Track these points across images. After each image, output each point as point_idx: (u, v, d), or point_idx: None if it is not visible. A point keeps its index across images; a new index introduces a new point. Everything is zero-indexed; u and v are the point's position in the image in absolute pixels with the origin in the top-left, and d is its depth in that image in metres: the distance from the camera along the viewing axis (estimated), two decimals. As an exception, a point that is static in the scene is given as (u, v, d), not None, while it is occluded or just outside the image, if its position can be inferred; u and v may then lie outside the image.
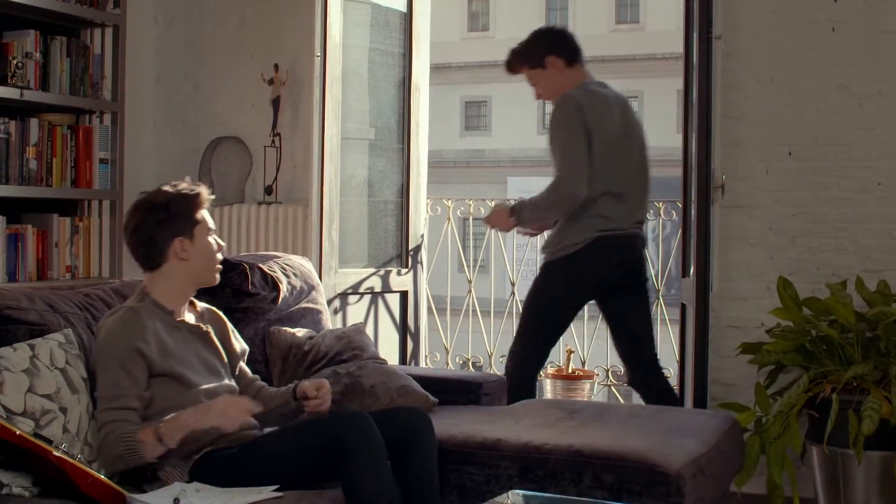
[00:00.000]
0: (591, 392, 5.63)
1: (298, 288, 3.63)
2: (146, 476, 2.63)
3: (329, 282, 4.52)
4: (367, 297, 4.84)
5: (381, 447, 2.58)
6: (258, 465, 2.61)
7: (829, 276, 4.04)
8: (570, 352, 5.66)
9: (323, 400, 2.85)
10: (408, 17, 5.02)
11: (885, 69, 4.04)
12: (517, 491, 2.77)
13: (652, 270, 5.96)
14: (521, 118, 23.80)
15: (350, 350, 3.50)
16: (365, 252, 4.91)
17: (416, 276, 5.07)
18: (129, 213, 2.84)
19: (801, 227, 4.14)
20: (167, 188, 2.83)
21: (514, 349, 4.01)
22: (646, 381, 4.03)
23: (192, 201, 2.83)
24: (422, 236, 5.13)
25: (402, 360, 4.98)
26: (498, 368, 5.37)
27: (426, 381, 3.52)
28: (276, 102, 4.84)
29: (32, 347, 2.60)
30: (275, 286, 3.50)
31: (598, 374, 5.72)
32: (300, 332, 3.56)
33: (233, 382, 2.90)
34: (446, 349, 6.00)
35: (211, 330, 2.91)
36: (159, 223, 2.79)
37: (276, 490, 2.53)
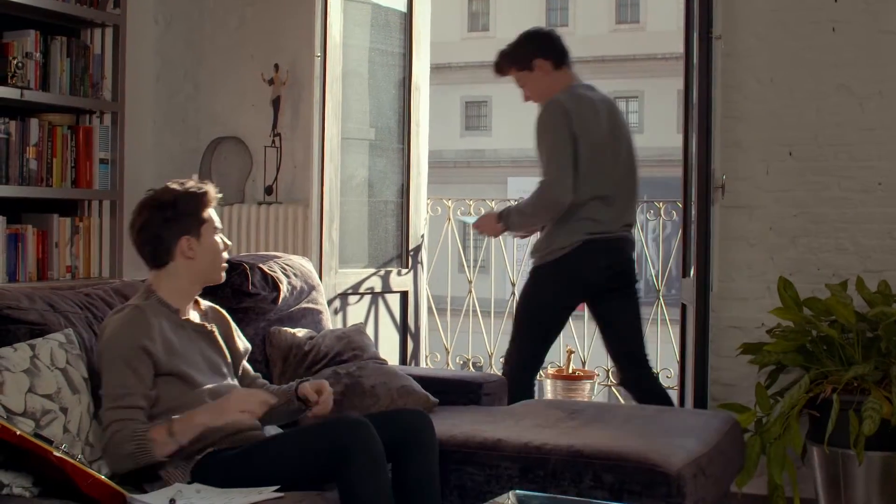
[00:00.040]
0: (592, 392, 5.63)
1: (299, 288, 3.63)
2: (147, 476, 2.63)
3: (329, 282, 4.52)
4: (368, 298, 4.84)
5: (381, 454, 2.58)
6: (259, 466, 2.61)
7: (830, 277, 4.04)
8: (571, 352, 5.66)
9: (325, 406, 2.84)
10: (408, 17, 5.02)
11: (886, 69, 4.04)
12: (517, 491, 2.76)
13: (653, 270, 5.96)
14: (521, 118, 23.74)
15: (350, 350, 3.50)
16: (365, 252, 4.91)
17: (416, 276, 5.07)
18: (136, 210, 2.82)
19: (801, 228, 4.14)
20: (175, 186, 2.82)
21: (509, 353, 4.04)
22: (637, 382, 4.04)
23: (200, 200, 2.81)
24: (422, 236, 5.13)
25: (403, 361, 4.98)
26: (498, 368, 5.36)
27: (426, 382, 3.52)
28: (276, 102, 4.84)
29: (33, 347, 2.60)
30: (275, 286, 3.50)
31: (598, 375, 5.72)
32: (300, 332, 3.55)
33: (235, 382, 2.90)
34: (447, 349, 6.00)
35: (215, 329, 2.90)
36: (166, 221, 2.77)
37: (276, 490, 2.53)
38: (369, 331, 4.43)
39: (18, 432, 2.36)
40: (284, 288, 3.53)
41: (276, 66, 4.83)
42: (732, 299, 4.20)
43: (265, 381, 3.07)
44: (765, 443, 3.69)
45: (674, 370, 5.25)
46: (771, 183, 4.17)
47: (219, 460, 2.63)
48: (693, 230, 4.13)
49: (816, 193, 4.13)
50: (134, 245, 2.84)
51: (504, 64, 4.07)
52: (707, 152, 4.02)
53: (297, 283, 3.63)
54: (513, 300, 5.89)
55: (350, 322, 4.62)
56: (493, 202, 5.93)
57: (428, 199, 5.36)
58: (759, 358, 3.88)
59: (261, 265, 3.51)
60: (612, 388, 5.88)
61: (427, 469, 2.77)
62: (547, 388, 5.61)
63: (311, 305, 3.71)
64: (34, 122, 4.18)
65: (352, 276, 4.74)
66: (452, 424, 3.13)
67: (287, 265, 3.65)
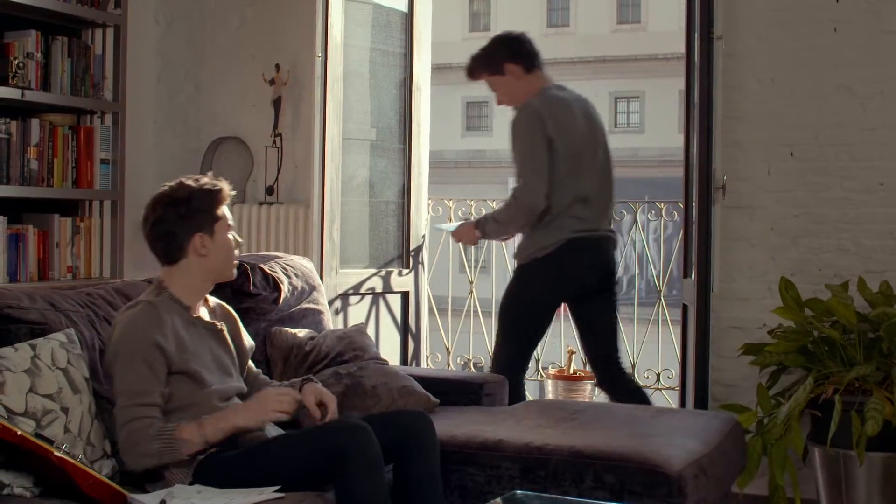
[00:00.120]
0: (593, 393, 5.62)
1: (299, 288, 3.63)
2: (150, 476, 2.63)
3: (330, 282, 4.52)
4: (369, 298, 4.84)
5: (378, 456, 2.57)
6: (259, 468, 2.61)
7: (831, 277, 4.04)
8: (572, 352, 5.65)
9: (332, 416, 2.82)
10: (409, 17, 5.02)
11: (887, 69, 4.03)
12: (518, 491, 2.76)
13: (654, 271, 5.96)
14: (522, 118, 23.76)
15: (351, 350, 3.50)
16: (366, 252, 4.91)
17: (417, 276, 5.07)
18: (150, 206, 2.80)
19: (802, 228, 4.14)
20: (189, 183, 2.80)
21: (495, 355, 4.06)
22: (613, 382, 4.08)
23: (215, 197, 2.80)
24: (423, 237, 5.12)
25: (404, 361, 4.98)
26: (499, 369, 5.36)
27: (427, 382, 3.52)
28: (277, 103, 4.84)
29: (34, 347, 2.60)
30: (276, 287, 3.50)
31: (599, 375, 5.71)
32: (301, 332, 3.56)
33: (242, 383, 2.89)
34: (447, 350, 5.99)
35: (225, 328, 2.90)
36: (180, 218, 2.76)
37: (277, 491, 2.53)
38: (370, 331, 4.43)
39: (19, 432, 2.36)
40: (285, 288, 3.53)
41: (277, 67, 4.83)
42: (733, 300, 4.20)
43: (266, 378, 3.07)
44: (766, 443, 3.69)
45: (675, 371, 5.25)
46: (772, 183, 4.17)
47: (220, 461, 2.63)
48: (694, 230, 4.13)
49: (818, 194, 4.12)
50: (146, 240, 2.82)
51: (475, 68, 4.09)
52: (708, 152, 4.02)
53: (298, 283, 3.63)
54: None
55: (351, 322, 4.62)
56: (494, 202, 5.92)
57: (429, 199, 5.36)
58: (761, 359, 3.88)
59: (262, 265, 3.51)
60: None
61: (428, 470, 2.77)
62: (548, 388, 5.61)
63: (311, 306, 3.72)
64: (35, 123, 4.18)
65: (353, 276, 4.74)
66: (453, 425, 3.13)
67: (288, 265, 3.65)
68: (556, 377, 5.58)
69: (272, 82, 4.83)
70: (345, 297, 4.69)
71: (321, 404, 2.79)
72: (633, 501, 2.76)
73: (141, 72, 4.75)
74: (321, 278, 4.14)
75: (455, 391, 3.59)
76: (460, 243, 4.63)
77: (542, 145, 3.83)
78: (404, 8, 5.01)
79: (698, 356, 4.06)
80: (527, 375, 4.21)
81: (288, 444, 2.66)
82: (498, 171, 24.00)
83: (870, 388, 3.59)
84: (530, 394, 5.09)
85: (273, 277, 3.51)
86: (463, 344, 6.20)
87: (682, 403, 4.27)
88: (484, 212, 5.57)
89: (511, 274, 5.90)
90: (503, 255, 6.11)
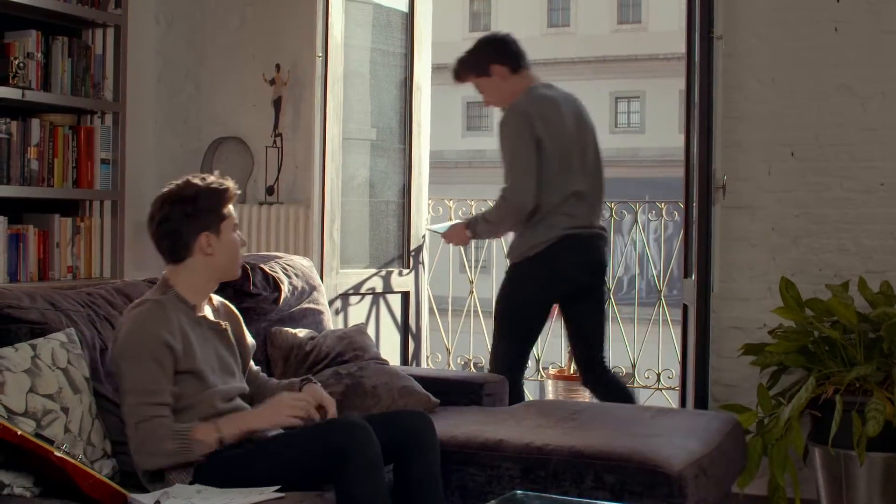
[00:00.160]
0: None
1: (300, 288, 3.63)
2: (152, 476, 2.63)
3: (330, 282, 4.52)
4: (369, 298, 4.84)
5: (377, 456, 2.57)
6: (259, 467, 2.61)
7: (832, 277, 4.04)
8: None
9: (332, 414, 2.83)
10: (409, 17, 5.02)
11: (888, 69, 4.03)
12: (519, 491, 2.76)
13: (654, 271, 5.96)
14: (522, 118, 23.74)
15: (351, 351, 3.50)
16: (366, 252, 4.91)
17: (417, 276, 5.07)
18: (156, 203, 2.79)
19: (803, 228, 4.14)
20: (196, 181, 2.79)
21: (493, 356, 4.07)
22: (599, 380, 4.11)
23: (221, 196, 2.79)
24: (423, 237, 5.12)
25: (404, 361, 4.98)
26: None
27: (428, 382, 3.52)
28: (277, 103, 4.84)
29: (34, 347, 2.60)
30: (276, 287, 3.50)
31: (599, 375, 5.71)
32: (302, 332, 3.56)
33: (244, 384, 2.89)
34: (448, 350, 5.99)
35: (229, 327, 2.90)
36: (186, 216, 2.75)
37: (277, 490, 2.53)
38: (370, 331, 4.43)
39: (19, 432, 2.36)
40: (286, 288, 3.52)
41: (278, 67, 4.83)
42: (734, 300, 4.20)
43: (265, 375, 3.07)
44: (766, 444, 3.69)
45: (675, 371, 5.25)
46: (772, 183, 4.17)
47: (220, 460, 2.63)
48: (694, 230, 4.13)
49: (818, 194, 4.12)
50: (152, 238, 2.81)
51: (462, 71, 4.11)
52: (708, 152, 4.02)
53: (299, 283, 3.63)
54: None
55: (351, 322, 4.62)
56: (494, 202, 5.92)
57: (429, 199, 5.36)
58: (761, 359, 3.88)
59: (262, 265, 3.51)
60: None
61: (429, 470, 2.77)
62: (548, 388, 5.61)
63: (312, 306, 3.72)
64: (35, 123, 4.18)
65: (353, 276, 4.74)
66: (454, 425, 3.12)
67: (288, 265, 3.65)
68: (556, 377, 5.58)
69: (272, 82, 4.83)
70: (345, 297, 4.69)
71: (320, 407, 2.79)
72: (633, 501, 2.76)
73: (141, 72, 4.75)
74: (321, 278, 4.14)
75: (455, 391, 3.59)
76: (451, 244, 4.64)
77: (530, 145, 3.84)
78: (405, 8, 5.01)
79: (698, 356, 4.06)
80: (527, 375, 4.22)
81: (288, 444, 2.66)
82: (498, 171, 23.77)
83: (870, 388, 3.59)
84: (530, 394, 5.09)
85: (273, 277, 3.50)
86: (463, 344, 6.20)
87: (683, 403, 4.27)
88: (483, 210, 5.58)
89: (511, 274, 5.95)
90: (503, 255, 6.10)
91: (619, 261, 6.55)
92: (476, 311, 6.02)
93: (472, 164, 24.37)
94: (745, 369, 4.06)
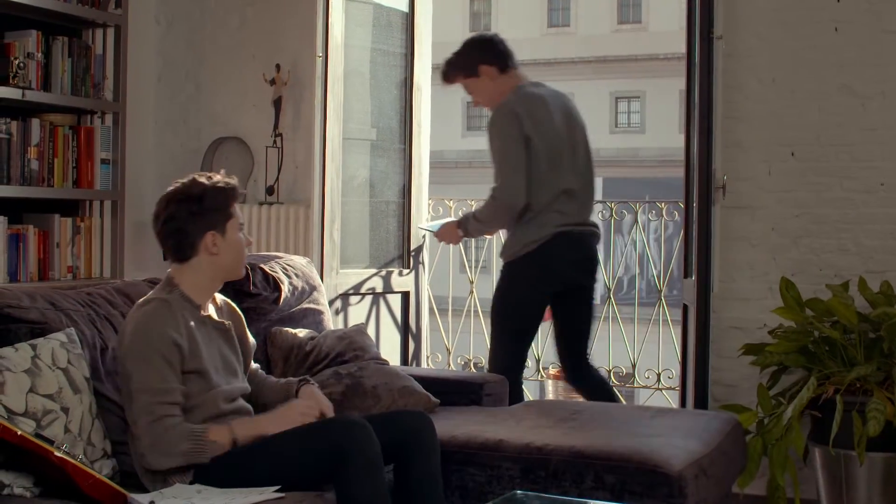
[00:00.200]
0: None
1: (300, 288, 3.63)
2: (153, 476, 2.63)
3: (330, 282, 4.52)
4: (369, 298, 4.84)
5: (377, 455, 2.57)
6: (259, 467, 2.61)
7: (832, 277, 4.04)
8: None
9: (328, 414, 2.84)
10: (409, 17, 5.02)
11: (888, 69, 4.03)
12: (519, 492, 2.76)
13: (654, 271, 5.96)
14: (522, 118, 23.73)
15: (351, 351, 3.50)
16: (366, 252, 4.91)
17: (417, 276, 5.07)
18: (162, 202, 2.78)
19: (803, 228, 4.14)
20: (202, 180, 2.78)
21: (491, 356, 4.08)
22: (583, 377, 4.14)
23: (228, 195, 2.79)
24: (423, 237, 5.12)
25: (404, 361, 4.98)
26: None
27: (428, 382, 3.52)
28: (277, 103, 4.84)
29: (34, 347, 2.60)
30: (276, 287, 3.50)
31: (599, 375, 5.71)
32: (302, 332, 3.55)
33: (246, 384, 2.89)
34: (448, 350, 5.99)
35: (232, 327, 2.90)
36: (192, 215, 2.75)
37: (277, 490, 2.53)
38: (370, 331, 4.43)
39: (19, 432, 2.36)
40: (286, 288, 3.52)
41: (278, 67, 4.83)
42: (734, 300, 4.20)
43: (263, 372, 3.07)
44: (766, 444, 3.69)
45: (675, 371, 5.25)
46: (773, 183, 4.17)
47: (220, 460, 2.63)
48: (694, 230, 4.13)
49: (818, 194, 4.12)
50: (157, 237, 2.80)
51: (450, 72, 4.13)
52: (708, 152, 4.02)
53: (299, 283, 3.63)
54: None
55: (351, 322, 4.62)
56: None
57: (429, 199, 5.36)
58: (761, 359, 3.88)
59: (262, 265, 3.51)
60: (613, 388, 5.87)
61: (429, 470, 2.77)
62: (548, 388, 5.61)
63: (312, 306, 3.71)
64: (35, 123, 4.18)
65: (353, 276, 4.74)
66: (454, 425, 3.12)
67: (288, 265, 3.65)
68: (556, 377, 5.58)
69: (273, 82, 4.83)
70: (345, 297, 4.69)
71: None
72: (633, 502, 2.76)
73: (141, 72, 4.75)
74: (321, 278, 4.14)
75: (455, 391, 3.59)
76: (442, 242, 4.67)
77: (518, 143, 3.85)
78: (405, 8, 5.01)
79: (698, 356, 4.06)
80: (527, 375, 4.22)
81: (288, 444, 2.66)
82: (498, 172, 24.00)
83: (870, 388, 3.59)
84: (530, 394, 5.09)
85: (273, 277, 3.50)
86: (463, 344, 6.19)
87: (683, 403, 4.27)
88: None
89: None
90: (504, 255, 6.10)
91: (619, 261, 6.56)
92: (476, 311, 6.02)
93: (472, 164, 24.36)
94: (745, 369, 4.06)
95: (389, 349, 4.86)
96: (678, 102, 18.53)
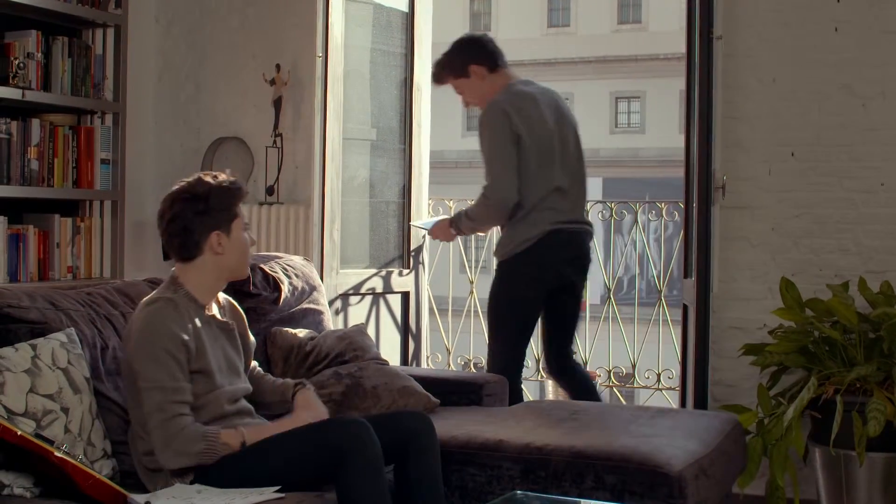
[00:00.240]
0: (593, 393, 5.62)
1: (300, 288, 3.63)
2: (151, 475, 2.63)
3: (330, 282, 4.52)
4: (369, 298, 4.84)
5: (378, 455, 2.57)
6: (258, 467, 2.61)
7: (832, 278, 4.04)
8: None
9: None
10: (409, 17, 5.02)
11: (889, 69, 4.03)
12: (519, 492, 2.76)
13: (654, 271, 5.96)
14: (522, 118, 23.74)
15: (351, 351, 3.50)
16: (366, 253, 4.91)
17: (417, 276, 5.07)
18: (167, 201, 2.77)
19: (803, 228, 4.14)
20: (208, 179, 2.77)
21: (489, 357, 4.08)
22: (567, 372, 4.16)
23: (233, 195, 2.79)
24: (423, 237, 5.12)
25: (404, 361, 4.98)
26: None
27: (428, 382, 3.51)
28: (277, 103, 4.84)
29: (34, 347, 2.60)
30: (276, 287, 3.50)
31: (599, 376, 5.71)
32: (301, 332, 3.55)
33: (248, 384, 2.89)
34: (448, 350, 5.99)
35: (235, 326, 2.90)
36: (198, 215, 2.74)
37: (277, 491, 2.53)
38: (370, 331, 4.43)
39: (19, 432, 2.36)
40: (286, 288, 3.52)
41: (278, 67, 4.83)
42: (734, 300, 4.20)
43: (261, 371, 3.07)
44: (766, 444, 3.69)
45: (675, 371, 5.25)
46: (773, 183, 4.17)
47: (221, 460, 2.62)
48: (694, 231, 4.13)
49: (819, 194, 4.12)
50: (162, 236, 2.79)
51: (440, 73, 4.13)
52: (708, 152, 4.02)
53: (299, 283, 3.63)
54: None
55: (351, 323, 4.62)
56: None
57: (429, 199, 5.36)
58: (761, 359, 3.88)
59: (262, 265, 3.51)
60: (613, 388, 5.88)
61: (429, 470, 2.77)
62: (548, 388, 5.61)
63: (312, 306, 3.71)
64: (35, 123, 4.18)
65: (353, 276, 4.74)
66: (454, 425, 3.12)
67: (288, 265, 3.65)
68: (557, 377, 5.57)
69: (273, 82, 4.83)
70: (345, 297, 4.69)
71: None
72: (633, 502, 2.76)
73: (141, 72, 4.76)
74: (321, 278, 4.14)
75: (455, 391, 3.59)
76: (436, 240, 4.69)
77: (509, 141, 3.85)
78: (405, 8, 5.01)
79: (698, 356, 4.06)
80: (527, 375, 4.23)
81: (288, 444, 2.66)
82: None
83: (871, 388, 3.59)
84: (530, 394, 5.09)
85: (273, 277, 3.50)
86: (463, 344, 6.20)
87: (683, 404, 4.27)
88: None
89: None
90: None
91: (619, 261, 6.56)
92: (476, 311, 6.02)
93: (472, 164, 24.32)
94: (745, 369, 4.06)
95: (389, 349, 4.86)
96: (678, 102, 18.53)
